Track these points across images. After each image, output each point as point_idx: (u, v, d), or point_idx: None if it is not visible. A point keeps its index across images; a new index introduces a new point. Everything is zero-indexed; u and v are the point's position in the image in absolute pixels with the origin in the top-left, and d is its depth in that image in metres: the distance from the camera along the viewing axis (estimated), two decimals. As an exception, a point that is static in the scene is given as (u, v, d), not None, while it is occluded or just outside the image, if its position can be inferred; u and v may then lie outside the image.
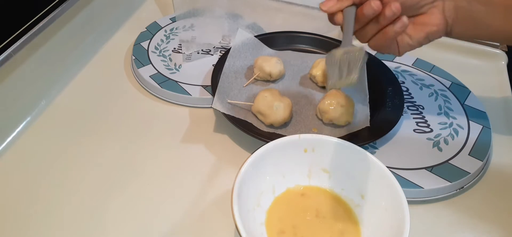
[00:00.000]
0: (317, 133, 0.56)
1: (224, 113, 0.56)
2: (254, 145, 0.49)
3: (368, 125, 0.56)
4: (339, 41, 0.70)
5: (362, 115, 0.58)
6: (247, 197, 0.44)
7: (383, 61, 0.66)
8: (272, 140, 0.52)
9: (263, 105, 0.56)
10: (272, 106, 0.56)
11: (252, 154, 0.45)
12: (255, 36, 0.69)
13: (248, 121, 0.57)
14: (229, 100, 0.59)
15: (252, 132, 0.55)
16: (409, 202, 0.42)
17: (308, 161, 0.48)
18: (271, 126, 0.57)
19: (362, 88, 0.61)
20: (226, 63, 0.65)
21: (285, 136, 0.55)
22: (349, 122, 0.57)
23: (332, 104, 0.56)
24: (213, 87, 0.61)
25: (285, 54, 0.69)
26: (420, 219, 0.49)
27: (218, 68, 0.64)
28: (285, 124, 0.57)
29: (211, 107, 0.62)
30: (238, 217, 0.40)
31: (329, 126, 0.57)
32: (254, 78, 0.64)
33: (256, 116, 0.58)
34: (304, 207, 0.47)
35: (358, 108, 0.59)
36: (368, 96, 0.60)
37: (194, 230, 0.48)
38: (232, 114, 0.57)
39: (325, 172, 0.49)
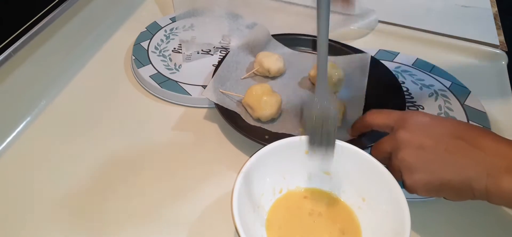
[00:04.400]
0: (302, 132, 0.56)
1: (214, 103, 0.57)
2: (255, 146, 0.49)
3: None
4: (340, 43, 0.70)
5: (352, 120, 0.57)
6: (248, 198, 0.44)
7: (383, 61, 0.66)
8: (253, 134, 0.54)
9: (252, 98, 0.57)
10: (260, 101, 0.56)
11: (252, 155, 0.45)
12: (273, 36, 0.69)
13: (236, 112, 0.57)
14: (221, 90, 0.60)
15: (234, 124, 0.55)
16: (410, 202, 0.42)
17: (308, 163, 0.48)
18: (258, 120, 0.57)
19: (359, 95, 0.61)
20: (231, 50, 0.65)
21: (270, 131, 0.56)
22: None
23: None
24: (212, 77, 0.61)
25: (290, 54, 0.69)
26: (420, 219, 0.49)
27: (222, 61, 0.64)
28: (272, 120, 0.58)
29: (211, 107, 0.62)
30: (238, 219, 0.40)
31: None
32: (254, 73, 0.64)
33: (246, 110, 0.59)
34: (304, 209, 0.47)
35: (351, 113, 0.58)
36: (363, 102, 0.59)
37: (194, 231, 0.48)
38: (223, 105, 0.57)
39: (325, 174, 0.49)
